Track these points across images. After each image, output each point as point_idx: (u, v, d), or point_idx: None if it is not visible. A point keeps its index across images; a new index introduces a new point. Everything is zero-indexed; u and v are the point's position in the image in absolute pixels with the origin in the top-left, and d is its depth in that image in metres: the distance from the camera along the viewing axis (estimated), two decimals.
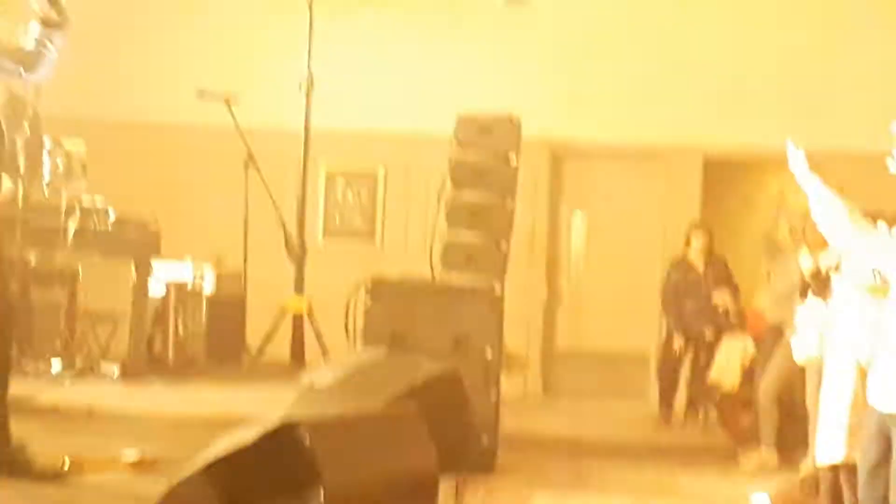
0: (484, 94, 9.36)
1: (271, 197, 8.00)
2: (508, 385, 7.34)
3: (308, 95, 7.98)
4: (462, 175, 7.77)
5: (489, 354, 6.84)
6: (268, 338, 7.90)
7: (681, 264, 9.40)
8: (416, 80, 9.98)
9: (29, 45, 4.54)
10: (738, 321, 9.09)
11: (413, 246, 9.80)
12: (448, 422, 3.98)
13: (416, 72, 9.94)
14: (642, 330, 10.17)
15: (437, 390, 4.02)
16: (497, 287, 7.34)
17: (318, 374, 4.02)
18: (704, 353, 9.11)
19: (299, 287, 7.83)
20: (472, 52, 10.15)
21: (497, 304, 7.30)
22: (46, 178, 7.32)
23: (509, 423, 7.15)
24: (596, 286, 10.46)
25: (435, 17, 10.10)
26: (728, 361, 8.57)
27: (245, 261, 8.38)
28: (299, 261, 7.96)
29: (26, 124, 7.00)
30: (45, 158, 7.28)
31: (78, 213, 7.33)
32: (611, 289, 10.35)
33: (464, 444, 4.10)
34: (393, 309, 7.48)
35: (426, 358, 4.51)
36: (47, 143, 7.31)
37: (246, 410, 5.13)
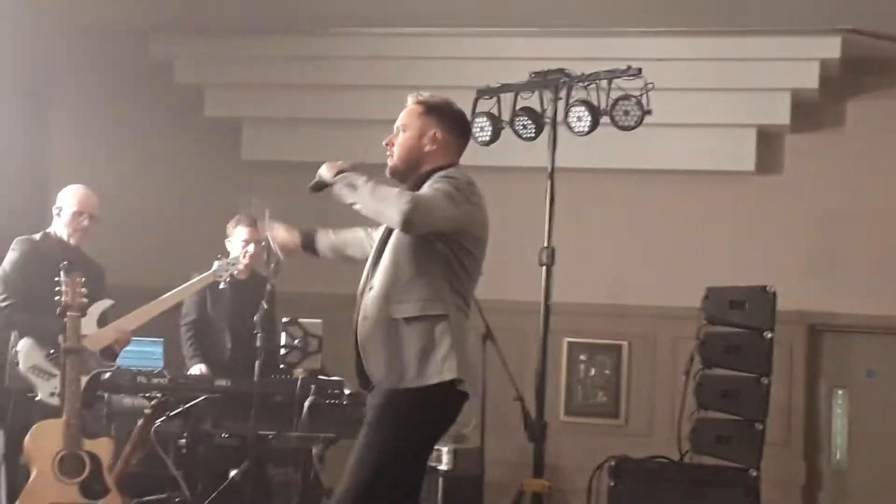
0: (734, 267, 8.99)
1: (509, 373, 7.71)
2: None
3: (549, 269, 7.68)
4: (712, 351, 7.59)
5: None
6: None
7: None
8: (662, 253, 9.65)
9: None
10: None
11: (660, 424, 9.43)
12: None
13: (662, 244, 9.62)
14: None
15: None
16: (753, 470, 7.11)
17: None
18: None
19: (538, 467, 7.48)
20: (721, 222, 9.79)
21: (753, 487, 7.05)
22: None
23: None
24: (860, 469, 9.71)
25: (681, 188, 9.80)
26: None
27: (482, 438, 8.08)
28: (538, 440, 7.62)
29: None
30: None
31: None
32: (877, 473, 9.57)
33: None
34: (638, 490, 7.27)
35: None
36: None
37: None
